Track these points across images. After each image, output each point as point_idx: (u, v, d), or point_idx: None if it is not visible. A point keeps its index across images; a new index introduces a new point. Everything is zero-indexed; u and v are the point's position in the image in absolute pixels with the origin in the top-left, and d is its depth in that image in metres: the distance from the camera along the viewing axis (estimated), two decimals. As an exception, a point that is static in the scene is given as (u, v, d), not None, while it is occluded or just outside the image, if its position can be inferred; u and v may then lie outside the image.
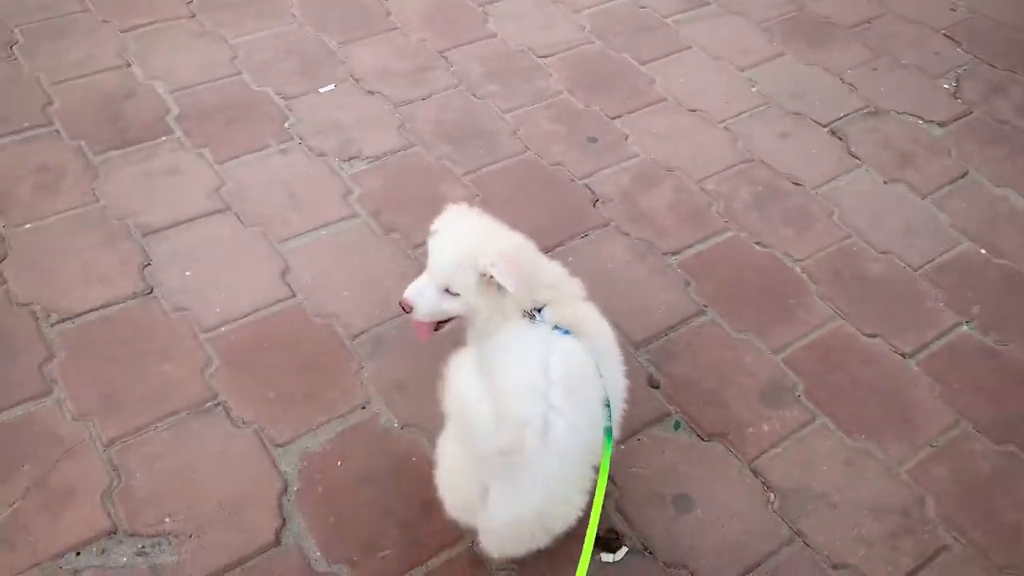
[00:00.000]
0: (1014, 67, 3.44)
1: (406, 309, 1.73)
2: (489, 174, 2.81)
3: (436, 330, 1.78)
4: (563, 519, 1.72)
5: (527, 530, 1.68)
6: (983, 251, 2.71)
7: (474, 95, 3.11)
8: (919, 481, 2.10)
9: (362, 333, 2.32)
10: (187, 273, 2.43)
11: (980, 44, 3.55)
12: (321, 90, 3.08)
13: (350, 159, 2.83)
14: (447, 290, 1.70)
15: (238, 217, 2.60)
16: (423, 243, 2.46)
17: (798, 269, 2.60)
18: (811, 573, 1.92)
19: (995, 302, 2.54)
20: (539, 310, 1.70)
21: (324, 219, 2.63)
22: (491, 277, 1.64)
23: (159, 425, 2.09)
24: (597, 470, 1.68)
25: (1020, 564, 1.97)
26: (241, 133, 2.88)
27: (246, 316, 2.34)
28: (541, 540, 1.73)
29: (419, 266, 2.39)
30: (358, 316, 2.36)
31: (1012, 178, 2.97)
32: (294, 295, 2.40)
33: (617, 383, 1.78)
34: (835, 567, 1.93)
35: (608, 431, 1.68)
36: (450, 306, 1.72)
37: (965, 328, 2.47)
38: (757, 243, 2.67)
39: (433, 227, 1.76)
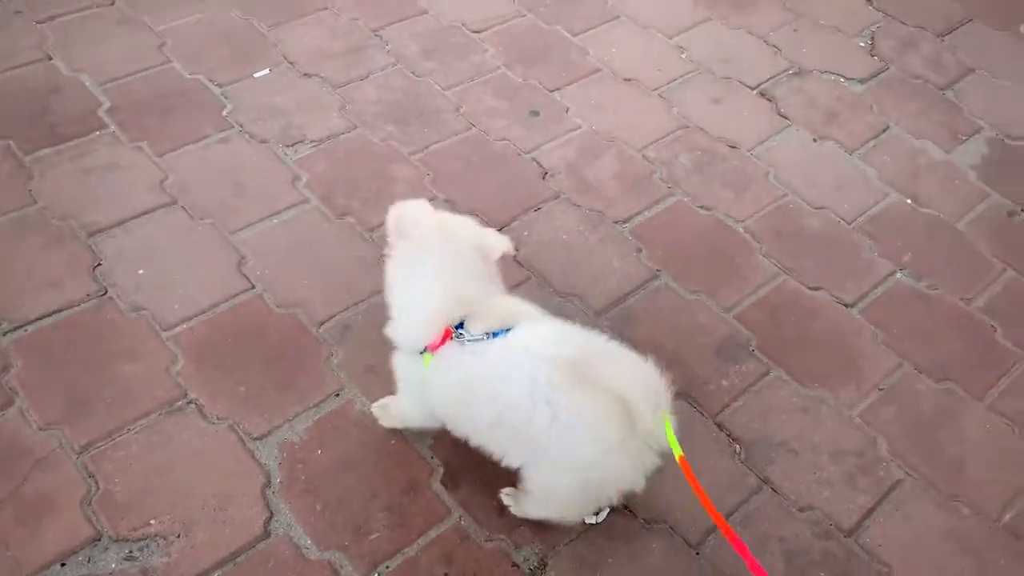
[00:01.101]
0: (922, 23, 3.61)
1: None
2: (437, 152, 2.83)
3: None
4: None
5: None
6: (909, 201, 2.88)
7: (413, 73, 3.10)
8: (870, 423, 2.24)
9: (328, 320, 2.33)
10: (140, 271, 2.38)
11: (890, 2, 3.71)
12: (256, 75, 3.02)
13: (294, 144, 2.80)
14: None
15: (186, 210, 2.56)
16: (379, 225, 2.50)
17: (741, 229, 2.71)
18: (780, 517, 2.04)
19: (923, 250, 2.71)
20: (459, 327, 1.71)
21: (274, 207, 2.60)
22: None
23: (132, 428, 2.06)
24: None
25: (966, 493, 2.13)
26: (178, 124, 2.81)
27: (206, 311, 2.31)
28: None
29: (377, 249, 2.40)
30: (322, 304, 2.36)
31: (929, 130, 3.14)
32: (253, 286, 2.39)
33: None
34: (801, 510, 2.06)
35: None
36: None
37: (899, 276, 2.63)
38: (700, 207, 2.77)
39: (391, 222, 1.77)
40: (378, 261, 1.90)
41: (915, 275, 2.63)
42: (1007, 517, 2.10)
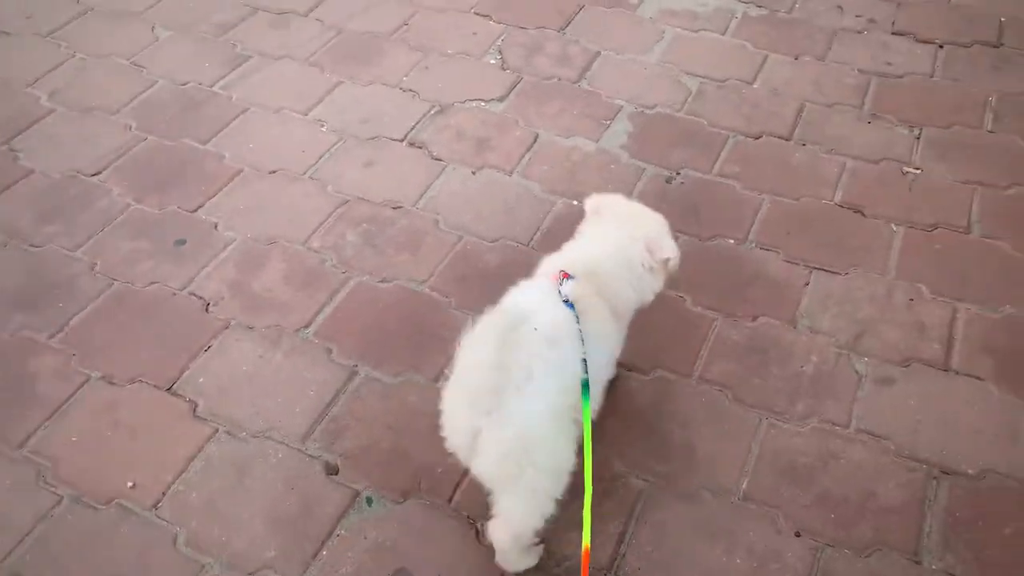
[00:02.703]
0: (541, 23, 3.71)
1: None
2: (79, 326, 2.52)
3: None
4: (553, 459, 1.73)
5: (516, 466, 1.69)
6: (575, 202, 2.91)
7: (31, 245, 2.76)
8: (597, 445, 2.21)
9: (-9, 575, 1.97)
10: None
11: (506, 12, 3.79)
12: None
13: (-95, 377, 2.38)
14: None
15: None
16: (22, 443, 2.18)
17: (427, 290, 2.63)
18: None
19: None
20: (569, 277, 1.89)
21: None
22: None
23: None
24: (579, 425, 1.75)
25: (702, 478, 2.15)
26: None
27: None
28: (541, 483, 1.74)
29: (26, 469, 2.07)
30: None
31: (575, 126, 3.22)
32: None
33: (599, 361, 1.90)
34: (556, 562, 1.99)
35: (585, 383, 1.76)
36: None
37: (585, 282, 2.64)
38: (381, 281, 2.65)
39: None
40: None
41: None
42: (744, 486, 2.13)
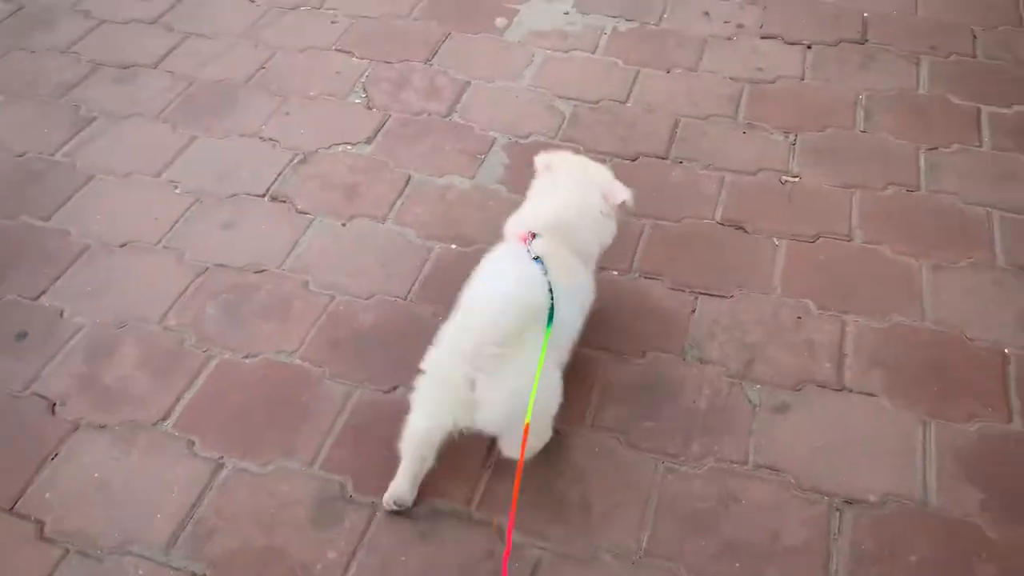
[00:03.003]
0: (406, 56, 3.56)
1: None
2: (-96, 448, 2.24)
3: None
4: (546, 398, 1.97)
5: (520, 413, 1.85)
6: (454, 247, 2.77)
7: None
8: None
9: None
10: None
11: (369, 47, 3.63)
12: None
13: None
14: None
15: None
16: None
17: (297, 361, 2.44)
18: None
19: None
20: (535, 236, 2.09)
21: None
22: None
23: None
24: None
25: (600, 536, 2.03)
26: None
27: None
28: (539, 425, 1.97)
29: None
30: None
31: (449, 163, 3.08)
32: None
33: (574, 310, 2.10)
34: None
35: (550, 313, 1.95)
36: None
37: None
38: (246, 357, 2.45)
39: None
40: None
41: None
42: (644, 542, 2.02)
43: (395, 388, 2.35)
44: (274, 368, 2.42)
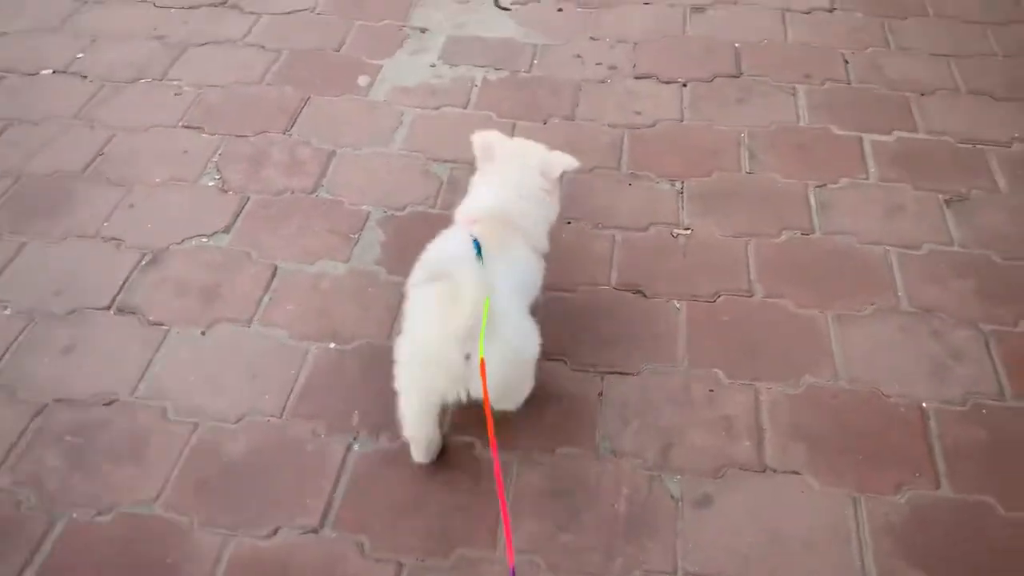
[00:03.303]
0: (262, 127, 3.26)
1: None
2: None
3: None
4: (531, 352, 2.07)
5: (511, 364, 1.96)
6: (332, 346, 2.50)
7: None
8: None
9: None
10: None
11: (220, 120, 3.31)
12: None
13: None
14: None
15: None
16: None
17: (159, 511, 2.12)
18: None
19: (370, 403, 2.33)
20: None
21: None
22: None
23: None
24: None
25: None
26: None
27: None
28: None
29: None
30: None
31: (318, 247, 2.80)
32: None
33: (525, 281, 2.16)
34: None
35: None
36: None
37: (356, 447, 2.23)
38: (98, 514, 2.12)
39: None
40: None
41: (371, 434, 2.25)
42: None
43: (276, 531, 2.06)
44: (133, 523, 2.09)
